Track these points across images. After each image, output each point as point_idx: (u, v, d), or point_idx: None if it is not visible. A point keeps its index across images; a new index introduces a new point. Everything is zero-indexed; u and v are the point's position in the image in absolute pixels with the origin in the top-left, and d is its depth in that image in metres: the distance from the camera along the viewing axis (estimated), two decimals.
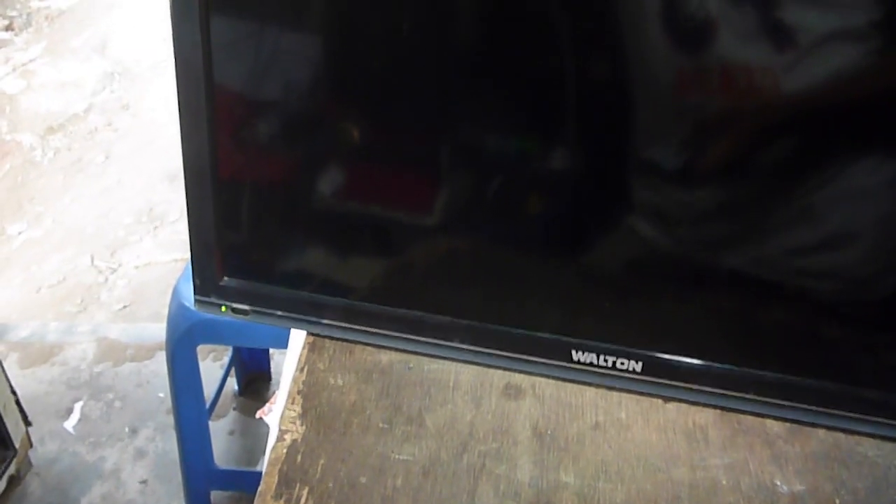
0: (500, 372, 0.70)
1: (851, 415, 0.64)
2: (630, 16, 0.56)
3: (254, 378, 1.75)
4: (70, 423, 1.67)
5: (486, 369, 0.70)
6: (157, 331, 1.76)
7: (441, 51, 0.60)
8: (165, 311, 1.30)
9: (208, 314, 0.72)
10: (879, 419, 0.64)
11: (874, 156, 0.57)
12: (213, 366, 1.77)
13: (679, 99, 0.58)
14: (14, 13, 3.05)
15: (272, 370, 1.76)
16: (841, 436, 0.66)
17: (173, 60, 0.62)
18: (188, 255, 0.69)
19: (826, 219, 0.60)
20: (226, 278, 0.69)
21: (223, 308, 0.71)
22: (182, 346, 1.26)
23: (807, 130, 0.57)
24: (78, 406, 1.70)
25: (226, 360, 1.73)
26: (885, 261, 0.61)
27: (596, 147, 0.61)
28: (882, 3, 0.52)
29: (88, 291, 1.98)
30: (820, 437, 0.66)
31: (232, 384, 1.73)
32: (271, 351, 1.75)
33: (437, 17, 0.59)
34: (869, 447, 0.65)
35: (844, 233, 0.60)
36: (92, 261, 2.07)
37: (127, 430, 1.66)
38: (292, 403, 0.67)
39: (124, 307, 1.94)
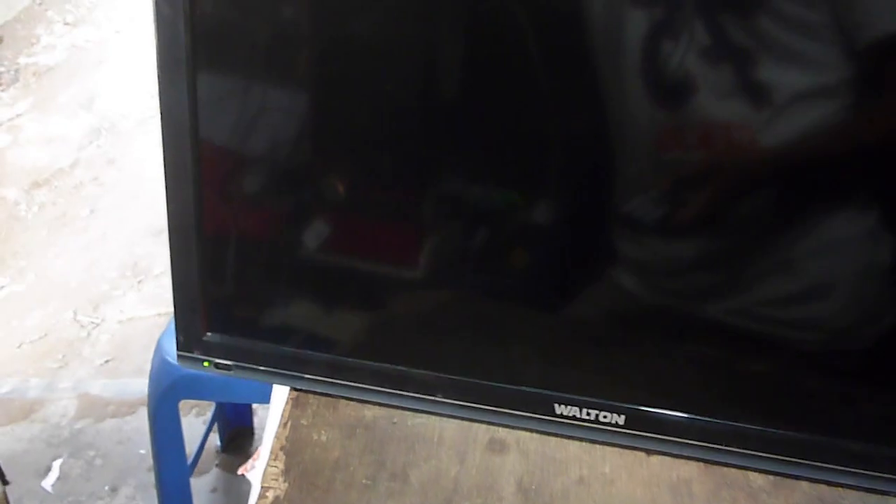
0: (484, 426, 0.70)
1: (834, 467, 0.64)
2: (611, 74, 0.57)
3: (237, 434, 1.73)
4: (48, 482, 1.64)
5: (470, 423, 0.70)
6: (140, 386, 1.74)
7: (425, 107, 0.61)
8: (148, 367, 1.28)
9: (191, 370, 0.72)
10: (863, 471, 0.64)
11: (849, 209, 0.58)
12: (195, 421, 1.75)
13: (659, 154, 0.59)
14: (2, 69, 3.07)
15: (255, 425, 1.73)
16: (825, 488, 0.66)
17: (159, 116, 0.63)
18: (172, 309, 0.69)
19: (804, 271, 0.61)
20: (209, 333, 0.69)
21: (206, 363, 0.70)
22: (164, 402, 1.25)
23: (784, 185, 0.58)
24: (57, 464, 1.67)
25: (209, 415, 1.71)
26: (862, 312, 0.61)
27: (578, 201, 0.62)
28: (853, 61, 0.54)
29: (70, 347, 1.96)
30: (804, 490, 0.66)
31: (214, 440, 1.70)
32: (255, 406, 1.73)
33: (422, 74, 0.60)
34: (853, 500, 0.65)
35: (822, 284, 0.61)
36: (74, 315, 2.05)
37: (107, 488, 1.63)
38: (275, 460, 0.66)
39: (106, 362, 1.92)
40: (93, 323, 2.03)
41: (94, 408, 1.80)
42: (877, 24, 0.53)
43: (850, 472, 0.64)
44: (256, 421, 1.73)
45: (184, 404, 1.30)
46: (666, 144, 0.58)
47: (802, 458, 0.64)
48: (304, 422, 0.69)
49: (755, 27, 0.53)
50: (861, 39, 0.53)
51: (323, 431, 0.69)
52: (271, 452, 0.67)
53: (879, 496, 0.65)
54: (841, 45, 0.53)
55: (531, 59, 0.58)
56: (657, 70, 0.56)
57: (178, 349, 0.71)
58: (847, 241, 0.59)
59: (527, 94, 0.59)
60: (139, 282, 2.16)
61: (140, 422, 1.75)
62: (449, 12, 0.59)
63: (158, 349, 1.26)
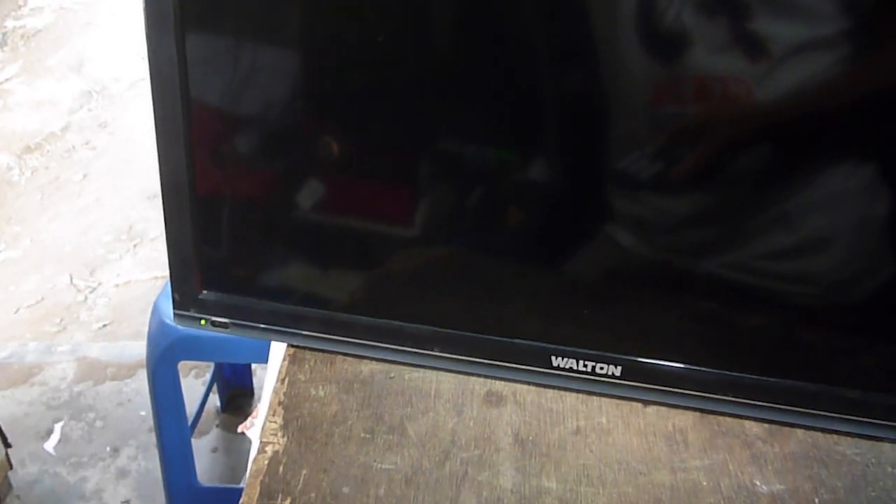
0: (481, 379, 0.70)
1: (829, 414, 0.65)
2: (606, 29, 0.57)
3: (236, 394, 1.74)
4: (50, 444, 1.65)
5: (467, 377, 0.70)
6: (138, 349, 1.75)
7: (418, 64, 0.60)
8: (146, 329, 1.29)
9: (188, 329, 0.72)
10: (857, 418, 0.64)
11: (847, 162, 0.58)
12: (195, 383, 1.76)
13: (655, 109, 0.58)
14: None
15: (255, 386, 1.75)
16: (819, 436, 0.66)
17: (149, 77, 0.62)
18: (168, 272, 0.69)
19: (801, 225, 0.61)
20: (205, 292, 0.69)
21: (203, 321, 0.71)
22: (163, 363, 1.26)
23: (780, 139, 0.58)
24: (58, 427, 1.69)
25: (207, 376, 1.72)
26: (859, 265, 0.61)
27: (574, 157, 0.62)
28: (850, 12, 0.53)
29: (67, 311, 1.97)
30: (799, 438, 0.66)
31: (214, 401, 1.72)
32: (254, 367, 1.74)
33: (414, 30, 0.60)
34: (847, 446, 0.66)
35: (819, 238, 0.61)
36: (71, 280, 2.05)
37: (108, 449, 1.65)
38: (273, 415, 0.67)
39: (104, 326, 1.93)
40: (89, 287, 2.03)
41: (93, 371, 1.81)
42: None
43: (844, 419, 0.65)
44: (255, 381, 1.74)
45: (183, 366, 1.31)
46: (661, 99, 0.58)
47: (798, 406, 0.65)
48: (301, 377, 0.70)
49: None
50: None
51: (321, 387, 0.69)
52: (270, 408, 0.68)
53: (872, 441, 0.66)
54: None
55: (525, 15, 0.58)
56: (652, 24, 0.55)
57: (174, 308, 0.71)
58: (844, 194, 0.58)
59: (521, 49, 0.58)
60: (135, 245, 2.16)
61: (139, 384, 1.76)
62: None
63: (155, 311, 1.27)
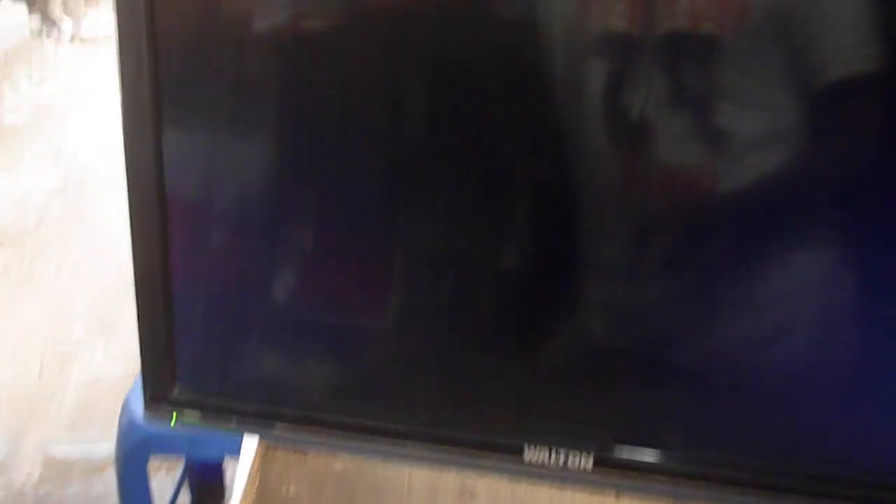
0: (454, 474, 0.69)
1: (808, 499, 0.64)
2: (575, 123, 0.58)
3: (208, 492, 1.69)
4: None
5: (440, 472, 0.69)
6: (107, 447, 1.71)
7: (391, 157, 0.61)
8: (115, 427, 1.26)
9: (159, 425, 0.71)
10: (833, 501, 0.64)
11: (809, 250, 0.59)
12: (165, 481, 1.71)
13: (622, 200, 0.59)
14: None
15: (227, 482, 1.70)
16: None
17: (125, 172, 0.63)
18: (139, 367, 0.69)
19: (768, 312, 0.61)
20: (177, 387, 0.69)
21: (174, 417, 0.70)
22: (133, 462, 1.23)
23: (745, 228, 0.59)
24: None
25: (178, 474, 1.68)
26: (824, 351, 0.62)
27: (544, 248, 0.62)
28: (808, 106, 0.55)
29: (36, 407, 1.93)
30: None
31: (185, 500, 1.67)
32: (226, 462, 1.70)
33: (387, 124, 0.61)
34: None
35: (784, 325, 0.62)
36: (40, 375, 2.02)
37: None
38: None
39: (73, 423, 1.89)
40: (58, 383, 2.00)
41: (60, 470, 1.76)
42: (830, 69, 0.54)
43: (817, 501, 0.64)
44: (228, 477, 1.70)
45: (153, 464, 1.28)
46: (629, 191, 0.59)
47: (773, 492, 0.64)
48: (272, 476, 0.69)
49: (712, 75, 0.55)
50: (815, 84, 0.55)
51: (292, 486, 0.68)
52: None
53: None
54: (796, 89, 0.54)
55: (496, 109, 0.59)
56: (618, 119, 0.57)
57: (145, 404, 0.70)
58: (808, 282, 0.59)
59: (493, 142, 0.60)
60: (106, 340, 2.13)
61: (107, 485, 1.71)
62: (414, 65, 0.59)
63: (126, 407, 1.25)
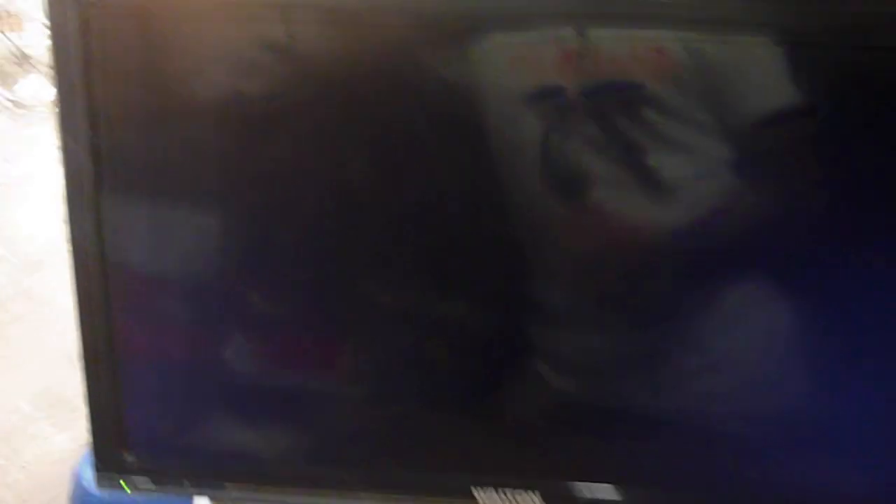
0: None
1: None
2: (513, 174, 0.59)
3: None
4: None
5: None
6: None
7: (335, 219, 0.62)
8: (66, 501, 1.24)
9: (111, 494, 0.70)
10: None
11: (746, 284, 0.61)
12: None
13: (564, 247, 0.61)
14: None
15: None
16: None
17: (68, 244, 0.63)
18: (89, 439, 0.69)
19: (711, 348, 0.62)
20: (126, 455, 0.68)
21: (124, 484, 0.69)
22: None
23: (683, 266, 0.61)
24: None
25: None
26: (767, 384, 0.63)
27: (494, 300, 0.63)
28: (734, 146, 0.57)
29: None
30: None
31: None
32: None
33: (330, 185, 0.62)
34: None
35: (727, 359, 0.63)
36: None
37: None
38: None
39: (23, 502, 1.83)
40: (6, 459, 1.94)
41: None
42: (753, 111, 0.56)
43: None
44: None
45: None
46: (571, 239, 0.60)
47: None
48: None
49: (642, 123, 0.56)
50: (739, 126, 0.57)
51: None
52: None
53: None
54: (721, 132, 0.56)
55: (437, 168, 0.60)
56: (554, 167, 0.58)
57: (96, 472, 0.69)
58: (748, 316, 0.61)
59: (434, 198, 0.61)
60: (54, 413, 2.08)
61: None
62: (354, 132, 0.60)
63: (77, 477, 1.22)
